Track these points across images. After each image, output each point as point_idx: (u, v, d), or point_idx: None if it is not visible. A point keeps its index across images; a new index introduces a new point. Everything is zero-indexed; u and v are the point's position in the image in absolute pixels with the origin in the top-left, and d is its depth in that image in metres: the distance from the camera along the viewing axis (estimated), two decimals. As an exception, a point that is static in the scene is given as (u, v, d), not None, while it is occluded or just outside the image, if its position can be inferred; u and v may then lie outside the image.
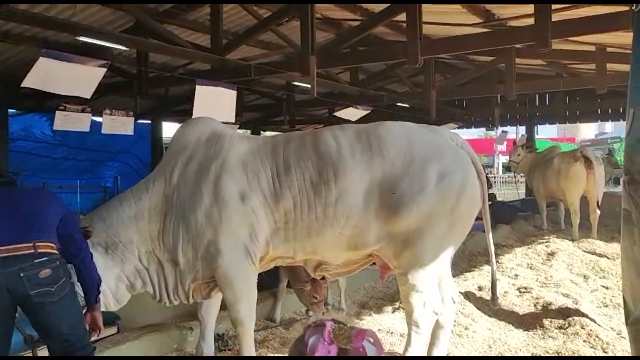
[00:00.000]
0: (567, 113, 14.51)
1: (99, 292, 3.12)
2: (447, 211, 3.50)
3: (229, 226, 3.53)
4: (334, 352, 1.19)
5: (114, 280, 3.63)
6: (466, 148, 3.75)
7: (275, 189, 3.57)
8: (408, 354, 3.62)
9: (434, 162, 3.51)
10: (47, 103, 8.56)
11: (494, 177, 26.81)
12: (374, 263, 3.97)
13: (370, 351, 1.19)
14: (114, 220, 3.65)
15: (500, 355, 4.30)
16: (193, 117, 6.34)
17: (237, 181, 3.58)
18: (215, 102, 6.11)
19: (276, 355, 4.19)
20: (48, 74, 4.92)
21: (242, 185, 3.58)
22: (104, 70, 5.28)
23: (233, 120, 6.68)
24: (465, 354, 4.28)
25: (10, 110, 9.71)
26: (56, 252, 2.88)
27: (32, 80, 4.87)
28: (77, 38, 5.56)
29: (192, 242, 3.57)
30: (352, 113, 9.78)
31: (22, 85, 4.95)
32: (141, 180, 3.92)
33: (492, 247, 3.95)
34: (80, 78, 5.15)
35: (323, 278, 4.62)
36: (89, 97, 5.44)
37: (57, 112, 6.70)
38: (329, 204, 3.50)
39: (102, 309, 3.56)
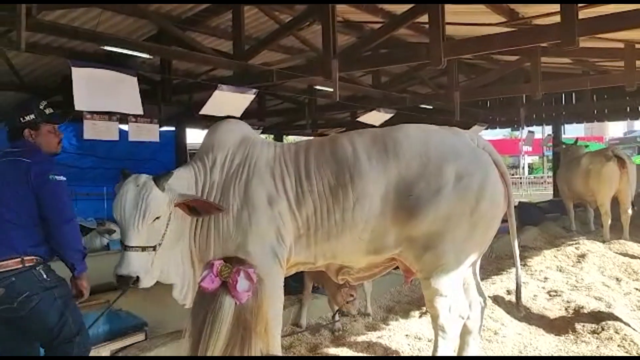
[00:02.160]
0: (595, 112, 14.20)
1: (81, 259, 3.11)
2: (467, 213, 3.44)
3: (258, 230, 3.52)
4: (217, 284, 1.44)
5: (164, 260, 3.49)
6: (488, 149, 3.68)
7: (298, 194, 3.57)
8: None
9: (451, 163, 3.46)
10: (76, 113, 8.70)
11: (520, 178, 26.46)
12: (397, 267, 3.93)
13: (242, 285, 1.43)
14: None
15: (531, 360, 4.21)
16: (200, 112, 6.37)
17: (266, 185, 3.59)
18: (226, 103, 6.13)
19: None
20: (90, 89, 4.78)
21: (271, 189, 3.58)
22: (134, 78, 5.30)
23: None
24: None
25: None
26: (13, 266, 2.86)
27: (80, 99, 4.72)
28: (102, 47, 5.64)
29: (223, 246, 3.56)
30: (375, 117, 9.73)
31: (76, 108, 4.84)
32: (186, 164, 3.87)
33: (517, 252, 3.87)
34: (120, 90, 5.08)
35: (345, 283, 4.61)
36: (140, 111, 5.37)
37: (85, 121, 6.78)
38: (347, 209, 3.49)
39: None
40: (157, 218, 3.31)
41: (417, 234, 3.46)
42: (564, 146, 10.97)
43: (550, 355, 4.30)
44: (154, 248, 3.30)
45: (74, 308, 3.11)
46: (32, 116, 3.15)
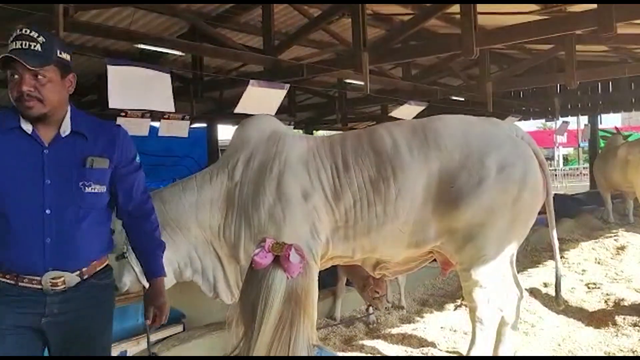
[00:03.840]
0: (633, 100, 13.80)
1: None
2: (509, 203, 3.40)
3: (292, 224, 3.52)
4: (269, 259, 1.49)
5: (165, 261, 3.62)
6: (527, 139, 3.64)
7: (336, 187, 3.55)
8: (473, 352, 3.54)
9: (493, 154, 3.42)
10: (108, 111, 8.89)
11: (555, 170, 25.95)
12: (433, 260, 3.91)
13: (294, 258, 1.48)
14: (174, 205, 3.66)
15: (570, 354, 4.14)
16: (235, 110, 6.42)
17: (299, 179, 3.57)
18: (261, 100, 6.16)
19: (339, 354, 4.19)
20: (124, 87, 4.85)
21: (305, 183, 3.56)
22: (168, 76, 5.36)
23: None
24: (532, 353, 4.15)
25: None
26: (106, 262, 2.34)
27: (115, 97, 4.75)
28: (135, 45, 5.74)
29: (254, 240, 3.56)
30: (407, 111, 9.64)
31: (110, 106, 4.83)
32: (204, 170, 3.94)
33: (557, 243, 3.82)
34: (154, 87, 5.13)
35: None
36: (172, 109, 5.44)
37: (118, 118, 6.92)
38: (389, 201, 3.45)
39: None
40: (112, 231, 3.50)
41: (458, 226, 3.43)
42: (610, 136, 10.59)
43: (589, 347, 4.22)
44: (122, 255, 3.41)
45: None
46: None
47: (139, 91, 5.00)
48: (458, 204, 3.39)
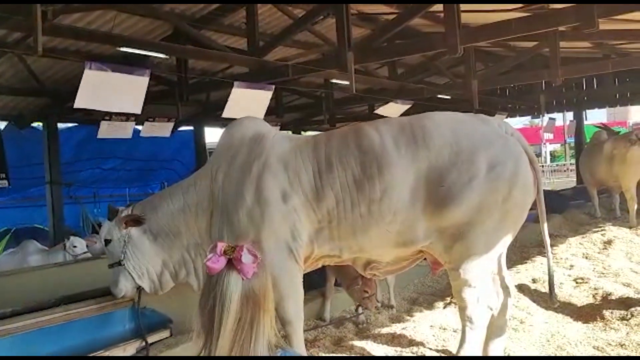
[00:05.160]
0: (618, 96, 13.92)
1: None
2: (499, 202, 3.36)
3: (271, 225, 3.50)
4: (222, 262, 1.49)
5: (160, 265, 3.97)
6: (517, 136, 3.60)
7: (317, 187, 3.52)
8: (463, 351, 3.53)
9: (483, 152, 3.37)
10: (94, 115, 8.82)
11: (542, 166, 26.14)
12: (424, 258, 3.89)
13: (247, 259, 1.48)
14: (164, 211, 3.92)
15: (560, 349, 4.14)
16: (223, 115, 6.41)
17: (278, 180, 3.55)
18: (248, 102, 6.16)
19: (328, 355, 4.17)
20: (96, 90, 4.99)
21: (284, 184, 3.55)
22: (147, 79, 5.37)
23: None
24: (522, 349, 4.15)
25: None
26: None
27: (83, 98, 4.94)
28: (118, 49, 5.69)
29: (236, 241, 3.54)
30: (392, 109, 9.66)
31: (75, 106, 5.05)
32: (190, 176, 4.10)
33: (548, 240, 3.80)
34: (126, 91, 5.22)
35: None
36: (139, 111, 5.53)
37: (102, 122, 6.88)
38: (374, 201, 3.41)
39: (147, 291, 4.02)
40: (108, 242, 4.03)
41: (447, 225, 3.39)
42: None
43: (577, 342, 4.23)
44: (119, 263, 3.96)
45: None
46: None
47: (108, 94, 5.14)
48: (447, 204, 3.35)
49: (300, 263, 3.60)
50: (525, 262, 6.62)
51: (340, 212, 3.48)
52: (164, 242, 3.91)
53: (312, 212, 3.53)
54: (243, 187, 3.60)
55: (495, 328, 3.74)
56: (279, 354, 1.50)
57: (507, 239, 3.58)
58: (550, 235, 7.69)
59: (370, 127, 3.62)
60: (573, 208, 10.45)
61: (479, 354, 3.61)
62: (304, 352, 3.76)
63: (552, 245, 7.11)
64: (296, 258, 3.55)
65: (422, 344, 4.30)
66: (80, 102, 4.94)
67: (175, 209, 3.88)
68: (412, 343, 4.32)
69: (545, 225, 3.79)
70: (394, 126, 3.58)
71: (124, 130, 6.28)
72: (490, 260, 3.49)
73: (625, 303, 4.82)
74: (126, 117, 6.37)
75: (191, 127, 12.23)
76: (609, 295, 5.09)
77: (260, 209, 3.52)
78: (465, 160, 3.36)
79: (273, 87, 6.71)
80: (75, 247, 7.12)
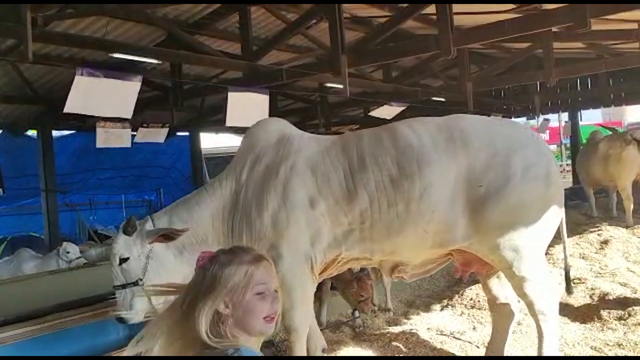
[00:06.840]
0: (612, 96, 13.92)
1: None
2: (538, 200, 3.44)
3: (294, 231, 3.45)
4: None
5: (182, 281, 3.58)
6: (540, 139, 3.81)
7: (349, 188, 3.46)
8: (546, 348, 3.49)
9: (518, 154, 3.45)
10: (88, 122, 8.80)
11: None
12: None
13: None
14: (193, 219, 3.64)
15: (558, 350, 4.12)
16: (227, 124, 6.36)
17: (307, 185, 3.50)
18: (247, 107, 6.13)
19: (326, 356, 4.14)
20: (87, 95, 5.00)
21: (312, 189, 3.49)
22: (138, 85, 5.36)
23: None
24: (519, 350, 4.14)
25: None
26: None
27: (73, 103, 4.94)
28: (111, 55, 5.68)
29: (256, 245, 3.45)
30: (387, 111, 9.67)
31: (65, 111, 5.03)
32: (213, 179, 3.93)
33: (565, 234, 3.88)
34: (117, 96, 5.23)
35: (368, 277, 4.59)
36: (129, 116, 5.51)
37: (97, 129, 6.87)
38: (413, 199, 3.38)
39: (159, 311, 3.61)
40: (125, 259, 3.55)
41: (489, 225, 3.39)
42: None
43: (575, 342, 4.21)
44: (135, 283, 3.52)
45: None
46: None
47: (99, 99, 5.14)
48: (486, 203, 3.37)
49: (316, 272, 3.54)
50: (522, 263, 6.60)
51: (375, 212, 3.43)
52: (190, 255, 3.51)
53: (342, 215, 3.47)
54: (268, 189, 3.52)
55: (500, 326, 3.86)
56: (229, 353, 1.48)
57: (551, 231, 3.63)
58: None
59: (406, 126, 3.62)
60: (570, 208, 10.44)
61: (558, 343, 3.62)
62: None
63: (549, 246, 7.10)
64: (313, 267, 3.49)
65: (419, 346, 4.28)
66: (69, 107, 4.93)
67: (205, 215, 3.64)
68: (409, 346, 4.30)
69: (564, 220, 3.80)
70: (430, 126, 3.58)
71: (122, 139, 6.26)
72: (540, 250, 3.55)
73: (622, 303, 4.81)
74: (121, 123, 6.36)
75: (186, 133, 12.22)
76: (606, 295, 5.09)
77: (286, 214, 3.46)
78: (502, 162, 3.42)
79: (268, 91, 6.69)
80: (68, 252, 7.07)
